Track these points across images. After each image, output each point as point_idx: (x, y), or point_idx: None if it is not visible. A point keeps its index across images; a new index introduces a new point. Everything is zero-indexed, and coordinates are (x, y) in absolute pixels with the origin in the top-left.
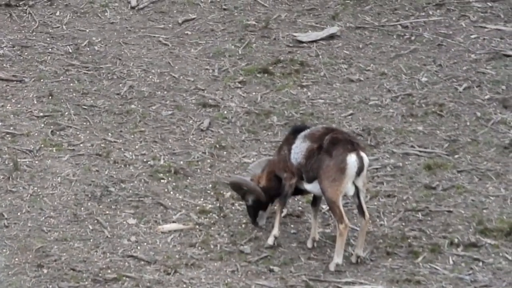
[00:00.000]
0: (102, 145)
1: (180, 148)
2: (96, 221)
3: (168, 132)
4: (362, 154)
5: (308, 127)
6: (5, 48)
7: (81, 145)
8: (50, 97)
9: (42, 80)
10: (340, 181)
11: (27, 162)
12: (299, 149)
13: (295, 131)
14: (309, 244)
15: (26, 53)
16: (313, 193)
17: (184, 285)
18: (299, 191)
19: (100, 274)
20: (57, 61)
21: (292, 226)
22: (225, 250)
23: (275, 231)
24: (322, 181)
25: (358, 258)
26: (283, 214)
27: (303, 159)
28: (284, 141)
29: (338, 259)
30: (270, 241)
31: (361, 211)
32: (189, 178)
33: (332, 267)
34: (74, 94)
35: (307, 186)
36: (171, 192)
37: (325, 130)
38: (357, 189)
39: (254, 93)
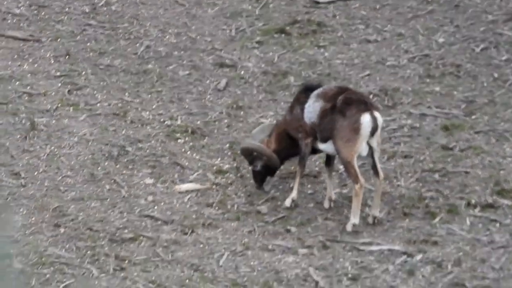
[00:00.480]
0: (119, 104)
1: (197, 108)
2: (113, 180)
3: (185, 92)
4: (376, 114)
5: (320, 85)
6: (22, 8)
7: (98, 104)
8: (67, 57)
9: (59, 40)
10: (355, 142)
11: (44, 121)
12: (312, 108)
13: (306, 90)
14: (326, 205)
15: (43, 13)
16: (328, 152)
17: (201, 245)
18: (313, 150)
19: (117, 234)
20: (74, 21)
21: (309, 186)
22: (242, 210)
23: (294, 194)
24: (336, 141)
25: (374, 218)
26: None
27: (317, 119)
28: (295, 100)
29: (355, 219)
30: (288, 203)
31: (376, 171)
32: (206, 138)
33: (349, 228)
34: (91, 54)
35: (321, 146)
36: (188, 152)
37: (338, 89)
38: (371, 149)
39: (271, 53)
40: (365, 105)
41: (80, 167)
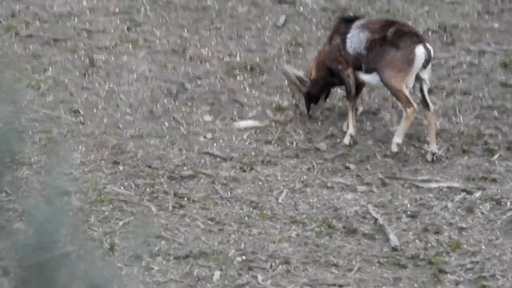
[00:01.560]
0: (178, 41)
1: (256, 45)
2: (172, 118)
3: (244, 29)
4: (429, 46)
5: (359, 17)
6: None
7: (157, 41)
8: None
9: None
10: (407, 72)
11: (103, 58)
12: (356, 39)
13: (346, 20)
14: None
15: None
16: (370, 84)
17: (260, 182)
18: None
19: (176, 171)
20: None
21: (368, 123)
22: (301, 147)
23: (350, 130)
24: (385, 72)
25: (433, 155)
26: (359, 112)
27: (363, 50)
28: (334, 31)
29: (398, 139)
30: (346, 140)
31: (426, 104)
32: (265, 74)
33: (394, 148)
34: None
35: (364, 77)
36: (247, 89)
37: (384, 21)
38: (420, 82)
39: None
40: (418, 37)
41: (139, 104)
